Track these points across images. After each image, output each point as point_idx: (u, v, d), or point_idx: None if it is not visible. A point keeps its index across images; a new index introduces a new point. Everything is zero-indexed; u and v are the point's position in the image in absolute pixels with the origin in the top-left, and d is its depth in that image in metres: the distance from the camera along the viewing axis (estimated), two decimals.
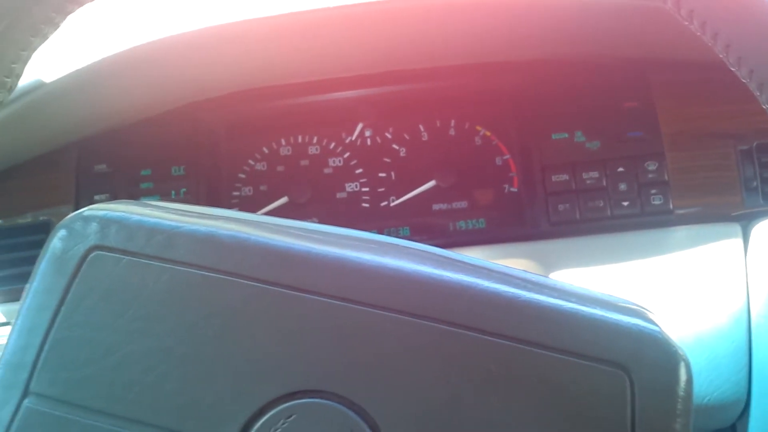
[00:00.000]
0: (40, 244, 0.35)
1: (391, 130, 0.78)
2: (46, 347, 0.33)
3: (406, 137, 0.78)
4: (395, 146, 0.78)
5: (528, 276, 0.35)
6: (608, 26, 0.70)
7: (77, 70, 0.66)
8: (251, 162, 0.79)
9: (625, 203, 0.72)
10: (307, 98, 0.78)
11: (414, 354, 0.32)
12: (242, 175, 0.78)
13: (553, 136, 0.74)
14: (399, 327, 0.32)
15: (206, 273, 0.33)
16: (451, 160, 0.77)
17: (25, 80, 0.41)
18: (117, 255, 0.34)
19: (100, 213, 0.35)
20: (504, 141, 0.77)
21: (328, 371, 0.32)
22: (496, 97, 0.77)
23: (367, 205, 0.77)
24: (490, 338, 0.32)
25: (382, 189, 0.77)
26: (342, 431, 0.31)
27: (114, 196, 0.76)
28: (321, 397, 0.32)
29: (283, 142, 0.79)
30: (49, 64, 0.66)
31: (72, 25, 0.70)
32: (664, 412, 0.31)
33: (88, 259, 0.34)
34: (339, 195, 0.78)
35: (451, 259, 0.35)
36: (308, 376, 0.32)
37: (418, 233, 0.76)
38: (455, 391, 0.31)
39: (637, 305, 0.35)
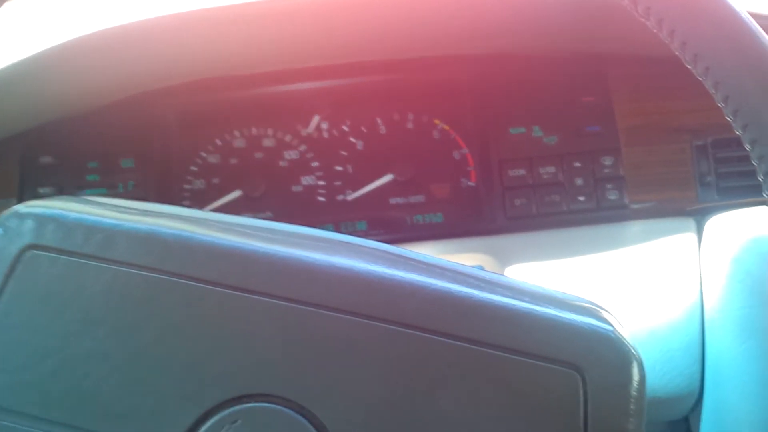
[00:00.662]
0: None
1: (348, 123, 0.77)
2: None
3: (364, 130, 0.77)
4: (352, 139, 0.77)
5: (482, 275, 0.35)
6: (566, 21, 0.70)
7: (22, 59, 0.64)
8: (203, 154, 0.77)
9: (581, 198, 0.72)
10: (262, 89, 0.76)
11: (364, 356, 0.31)
12: (194, 168, 0.77)
13: (511, 131, 0.74)
14: (349, 328, 0.31)
15: (147, 273, 0.32)
16: (409, 154, 0.76)
17: None
18: (53, 254, 0.32)
19: (37, 210, 0.33)
20: (462, 135, 0.77)
21: (275, 374, 0.31)
22: (455, 90, 0.77)
23: (323, 198, 0.76)
24: (442, 339, 0.31)
25: (339, 183, 0.76)
26: None
27: (59, 190, 0.73)
28: (267, 401, 0.31)
29: (236, 134, 0.77)
30: None
31: (16, 12, 0.68)
32: (616, 412, 0.31)
33: (23, 258, 0.32)
34: (294, 188, 0.76)
35: (403, 257, 0.35)
36: (254, 380, 0.31)
37: (375, 227, 0.75)
38: (407, 393, 0.31)
39: (591, 303, 0.35)
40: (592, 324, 0.32)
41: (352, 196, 0.76)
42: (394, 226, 0.75)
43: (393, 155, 0.76)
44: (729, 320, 0.66)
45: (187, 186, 0.76)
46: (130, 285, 0.32)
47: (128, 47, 0.67)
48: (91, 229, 0.32)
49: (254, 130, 0.77)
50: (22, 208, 0.33)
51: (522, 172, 0.73)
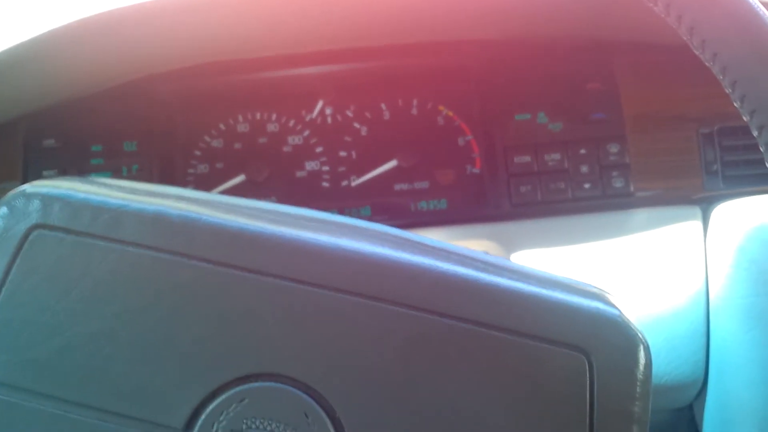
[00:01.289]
0: None
1: (352, 108, 0.77)
2: None
3: (368, 116, 0.77)
4: (356, 125, 0.76)
5: (488, 258, 0.34)
6: (572, 6, 0.70)
7: (26, 41, 0.63)
8: (207, 138, 0.76)
9: (587, 185, 0.72)
10: (267, 73, 0.76)
11: (371, 337, 0.31)
12: (198, 152, 0.76)
13: (516, 117, 0.74)
14: (356, 309, 0.31)
15: (154, 253, 0.32)
16: (413, 140, 0.76)
17: None
18: (60, 234, 0.32)
19: (43, 190, 0.33)
20: (467, 121, 0.76)
21: (282, 354, 0.31)
22: (460, 76, 0.77)
23: (327, 184, 0.76)
24: (448, 321, 0.31)
25: (343, 168, 0.76)
26: (297, 416, 0.30)
27: (63, 172, 0.73)
28: (275, 381, 0.31)
29: (240, 118, 0.77)
30: None
31: None
32: (622, 396, 0.30)
33: (30, 238, 0.32)
34: (298, 174, 0.76)
35: (409, 240, 0.34)
36: (261, 360, 0.31)
37: (378, 213, 0.75)
38: (413, 375, 0.31)
39: (597, 288, 0.34)
40: (598, 308, 0.32)
41: (356, 181, 0.76)
42: (398, 212, 0.75)
43: (397, 141, 0.76)
44: (734, 308, 0.65)
45: (190, 170, 0.76)
46: (137, 265, 0.32)
47: (131, 30, 0.67)
48: (98, 209, 0.32)
49: (258, 115, 0.77)
50: (28, 187, 0.33)
51: (527, 158, 0.73)
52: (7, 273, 0.32)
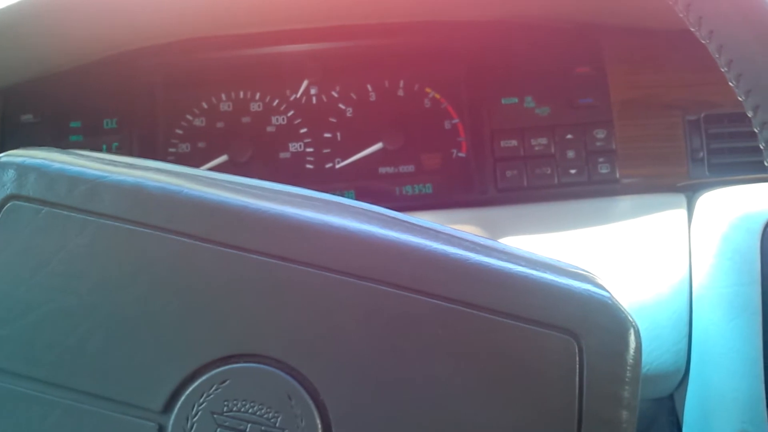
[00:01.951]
0: None
1: (337, 88, 0.76)
2: None
3: (353, 97, 0.75)
4: (342, 106, 0.75)
5: (477, 239, 0.34)
6: None
7: (1, 10, 0.61)
8: (189, 117, 0.75)
9: (573, 171, 0.72)
10: (251, 51, 0.74)
11: (356, 317, 0.30)
12: (179, 131, 0.75)
13: (503, 101, 0.73)
14: (341, 288, 0.30)
15: (133, 227, 0.31)
16: (399, 123, 0.75)
17: None
18: (36, 205, 0.31)
19: (18, 160, 0.32)
20: (453, 104, 0.75)
21: (264, 334, 0.30)
22: (447, 58, 0.76)
23: (311, 166, 0.75)
24: (436, 301, 0.30)
25: (328, 150, 0.75)
26: (279, 398, 0.30)
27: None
28: (257, 362, 0.30)
29: (223, 97, 0.75)
30: None
31: None
32: (612, 379, 0.30)
33: (5, 209, 0.31)
34: (282, 155, 0.75)
35: (397, 219, 0.34)
36: (243, 339, 0.30)
37: (363, 197, 0.74)
38: (399, 356, 0.30)
39: (587, 271, 0.34)
40: (588, 290, 0.31)
41: (340, 164, 0.75)
42: (383, 197, 0.74)
43: (383, 123, 0.75)
44: (717, 298, 0.65)
45: (172, 149, 0.75)
46: (115, 239, 0.31)
47: (111, 2, 0.65)
48: (74, 180, 0.31)
49: (242, 94, 0.75)
50: (3, 157, 0.32)
51: (514, 143, 0.72)
52: None
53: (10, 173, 0.32)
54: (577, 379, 0.30)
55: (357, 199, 0.74)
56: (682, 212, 0.71)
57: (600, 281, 0.33)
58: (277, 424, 0.29)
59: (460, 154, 0.75)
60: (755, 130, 0.31)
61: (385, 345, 0.30)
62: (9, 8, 0.61)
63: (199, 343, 0.30)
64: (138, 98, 0.74)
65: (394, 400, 0.30)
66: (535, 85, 0.73)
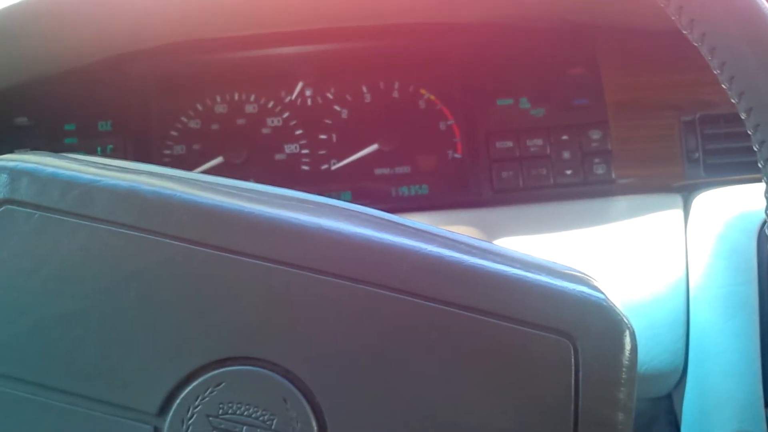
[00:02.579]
0: None
1: (332, 90, 0.76)
2: None
3: (349, 98, 0.75)
4: (337, 107, 0.75)
5: (472, 241, 0.34)
6: None
7: None
8: (184, 119, 0.75)
9: (568, 172, 0.72)
10: (245, 53, 0.74)
11: (351, 320, 0.30)
12: (174, 133, 0.75)
13: (498, 102, 0.73)
14: (336, 291, 0.30)
15: (126, 231, 0.31)
16: (395, 124, 0.75)
17: None
18: (29, 210, 0.31)
19: (11, 164, 0.32)
20: (448, 106, 0.75)
21: (260, 338, 0.30)
22: (442, 59, 0.76)
23: (307, 168, 0.75)
24: (431, 304, 0.30)
25: (323, 152, 0.75)
26: (275, 401, 0.29)
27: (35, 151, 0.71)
28: (252, 365, 0.30)
29: (218, 99, 0.75)
30: None
31: None
32: (608, 381, 0.30)
33: None
34: (277, 156, 0.75)
35: (392, 222, 0.34)
36: (238, 342, 0.30)
37: (359, 198, 0.74)
38: (394, 359, 0.30)
39: (582, 273, 0.34)
40: (584, 292, 0.31)
41: (336, 165, 0.75)
42: (378, 198, 0.74)
43: (378, 125, 0.75)
44: (714, 297, 0.65)
45: (167, 151, 0.75)
46: (109, 243, 0.30)
47: (106, 6, 0.65)
48: (67, 184, 0.31)
49: (236, 96, 0.75)
50: None
51: (509, 144, 0.72)
52: None
53: (3, 178, 0.31)
54: (572, 381, 0.30)
55: (353, 200, 0.74)
56: (679, 212, 0.71)
57: (595, 283, 0.33)
58: (273, 427, 0.29)
59: (456, 155, 0.75)
60: (749, 132, 0.31)
61: (380, 348, 0.30)
62: (3, 11, 0.61)
63: (194, 345, 0.30)
64: (133, 100, 0.74)
65: (389, 402, 0.30)
66: (530, 86, 0.73)
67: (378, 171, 0.75)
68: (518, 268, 0.32)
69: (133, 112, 0.74)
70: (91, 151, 0.72)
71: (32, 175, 0.31)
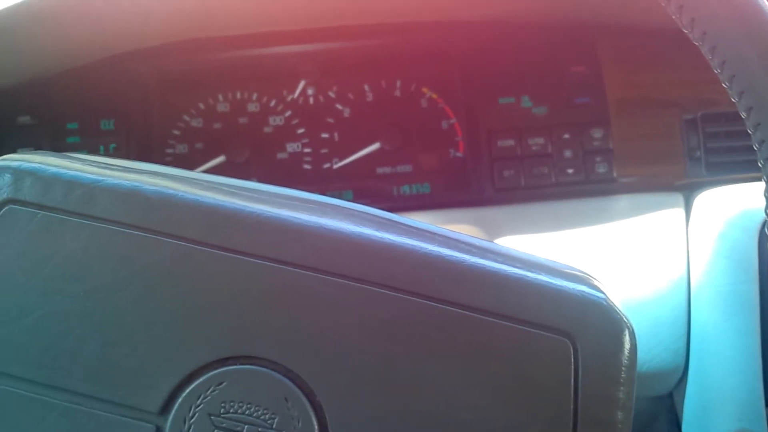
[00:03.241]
0: None
1: (334, 89, 0.76)
2: None
3: (351, 97, 0.75)
4: (339, 106, 0.75)
5: (472, 240, 0.34)
6: None
7: None
8: (186, 118, 0.75)
9: (570, 170, 0.72)
10: (247, 51, 0.74)
11: (352, 319, 0.30)
12: (177, 132, 0.75)
13: (500, 101, 0.73)
14: (337, 291, 0.30)
15: (129, 231, 0.31)
16: (397, 123, 0.75)
17: None
18: (32, 209, 0.31)
19: (14, 164, 0.32)
20: (450, 104, 0.75)
21: (261, 336, 0.30)
22: (444, 58, 0.76)
23: (309, 166, 0.75)
24: (431, 303, 0.30)
25: (325, 150, 0.75)
26: (276, 399, 0.30)
27: (38, 150, 0.71)
28: (254, 364, 0.30)
29: (220, 98, 0.75)
30: None
31: None
32: (607, 380, 0.30)
33: (1, 213, 0.31)
34: (279, 155, 0.75)
35: (393, 221, 0.34)
36: (240, 342, 0.30)
37: (361, 197, 0.74)
38: (395, 358, 0.30)
39: (582, 272, 0.34)
40: (583, 291, 0.31)
41: (338, 164, 0.75)
42: (380, 197, 0.74)
43: (380, 123, 0.75)
44: (715, 296, 0.65)
45: (169, 150, 0.75)
46: (111, 242, 0.31)
47: (109, 3, 0.65)
48: (70, 184, 0.31)
49: (239, 95, 0.75)
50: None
51: (511, 142, 0.72)
52: None
53: (6, 178, 0.32)
54: (572, 380, 0.30)
55: (355, 199, 0.74)
56: (680, 211, 0.71)
57: (595, 282, 0.33)
58: (274, 426, 0.29)
59: (458, 154, 0.75)
60: (749, 131, 0.31)
61: (380, 347, 0.30)
62: (6, 10, 0.61)
63: (195, 345, 0.30)
64: (135, 99, 0.74)
65: (389, 401, 0.30)
66: (531, 85, 0.73)
67: (380, 170, 0.75)
68: (518, 268, 0.32)
69: (135, 110, 0.74)
70: (94, 150, 0.72)
71: (35, 175, 0.31)
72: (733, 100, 0.30)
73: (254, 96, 0.75)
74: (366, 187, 0.74)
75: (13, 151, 0.71)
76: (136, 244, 0.30)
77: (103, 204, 0.31)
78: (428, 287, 0.30)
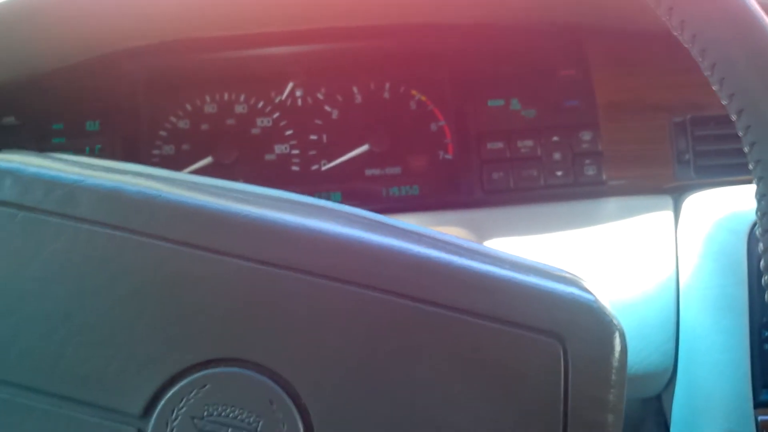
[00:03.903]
0: None
1: (323, 90, 0.75)
2: None
3: (339, 99, 0.75)
4: (327, 108, 0.75)
5: (460, 242, 0.34)
6: None
7: None
8: (173, 119, 0.74)
9: (559, 173, 0.71)
10: (236, 53, 0.74)
11: (339, 321, 0.30)
12: (163, 133, 0.74)
13: (489, 103, 0.73)
14: (323, 292, 0.30)
15: (111, 231, 0.30)
16: (386, 125, 0.75)
17: None
18: (11, 210, 0.31)
19: None
20: (439, 106, 0.75)
21: (245, 339, 0.29)
22: (433, 60, 0.76)
23: (297, 168, 0.74)
24: (420, 305, 0.30)
25: (314, 152, 0.74)
26: (261, 402, 0.29)
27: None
28: (238, 366, 0.29)
29: (207, 99, 0.75)
30: None
31: None
32: (597, 383, 0.30)
33: None
34: (267, 157, 0.74)
35: (380, 222, 0.33)
36: (223, 344, 0.29)
37: (350, 199, 0.73)
38: (382, 360, 0.30)
39: (572, 273, 0.34)
40: (573, 293, 0.31)
41: (326, 166, 0.74)
42: (369, 198, 0.74)
43: (369, 125, 0.75)
44: (703, 298, 0.65)
45: (155, 151, 0.74)
46: (93, 243, 0.30)
47: (95, 3, 0.64)
48: (51, 184, 0.31)
49: (226, 96, 0.75)
50: None
51: (500, 145, 0.72)
52: None
53: None
54: (562, 382, 0.30)
55: (343, 200, 0.73)
56: (669, 214, 0.71)
57: (585, 284, 0.33)
58: (259, 429, 0.29)
59: (447, 156, 0.74)
60: (739, 133, 0.31)
61: (367, 349, 0.30)
62: None
63: (179, 347, 0.29)
64: (121, 100, 0.74)
65: (376, 404, 0.29)
66: (521, 88, 0.73)
67: (368, 172, 0.74)
68: (507, 269, 0.31)
69: (121, 111, 0.73)
70: (79, 151, 0.71)
71: (15, 175, 0.31)
72: (723, 102, 0.30)
73: (242, 97, 0.75)
74: (355, 188, 0.74)
75: None
76: (118, 245, 0.30)
77: (84, 204, 0.30)
78: (416, 289, 0.30)
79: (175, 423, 0.29)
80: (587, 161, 0.71)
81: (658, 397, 0.73)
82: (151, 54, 0.73)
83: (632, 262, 0.69)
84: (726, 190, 0.70)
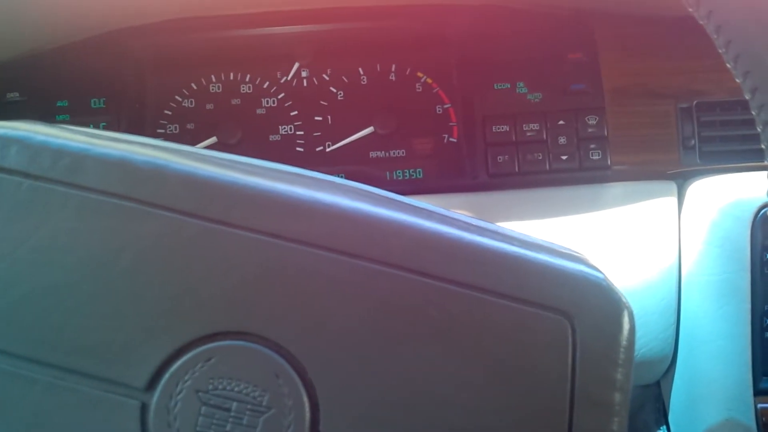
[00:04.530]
0: None
1: (329, 71, 0.75)
2: None
3: (345, 80, 0.75)
4: (333, 89, 0.75)
5: (470, 219, 0.33)
6: None
7: None
8: (178, 98, 0.74)
9: (564, 157, 0.71)
10: (241, 32, 0.73)
11: (347, 295, 0.29)
12: (168, 112, 0.74)
13: (495, 86, 0.73)
14: (331, 266, 0.30)
15: (118, 201, 0.30)
16: (391, 107, 0.74)
17: None
18: (18, 178, 0.30)
19: (0, 131, 0.31)
20: (445, 89, 0.75)
21: (252, 312, 0.29)
22: (439, 43, 0.75)
23: (301, 149, 0.74)
24: (428, 280, 0.30)
25: (318, 133, 0.74)
26: (266, 376, 0.29)
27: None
28: (244, 339, 0.29)
29: (213, 78, 0.74)
30: None
31: None
32: (605, 361, 0.30)
33: None
34: (272, 137, 0.74)
35: (389, 198, 0.33)
36: (230, 317, 0.29)
37: (353, 181, 0.73)
38: (389, 335, 0.29)
39: (579, 253, 0.33)
40: (582, 271, 0.31)
41: (331, 147, 0.74)
42: (373, 181, 0.73)
43: (374, 107, 0.74)
44: (705, 285, 0.65)
45: (160, 130, 0.74)
46: (100, 213, 0.30)
47: None
48: (58, 152, 0.30)
49: (231, 75, 0.75)
50: None
51: (505, 128, 0.71)
52: None
53: None
54: (569, 360, 0.29)
55: None
56: (673, 200, 0.71)
57: (593, 262, 0.33)
58: (264, 403, 0.29)
59: (452, 139, 0.74)
60: (753, 113, 0.30)
61: (374, 324, 0.29)
62: None
63: (184, 320, 0.29)
64: (126, 78, 0.73)
65: (382, 379, 0.29)
66: (527, 71, 0.73)
67: (373, 154, 0.74)
68: (517, 246, 0.31)
69: (126, 89, 0.73)
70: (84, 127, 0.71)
71: (22, 143, 0.31)
72: (737, 80, 0.30)
73: (247, 77, 0.75)
74: (358, 171, 0.74)
75: None
76: (125, 216, 0.30)
77: (92, 173, 0.30)
78: (424, 264, 0.30)
79: (179, 396, 0.29)
80: (592, 146, 0.71)
81: (658, 384, 0.74)
82: (156, 32, 0.73)
83: (635, 247, 0.69)
84: (730, 176, 0.70)
